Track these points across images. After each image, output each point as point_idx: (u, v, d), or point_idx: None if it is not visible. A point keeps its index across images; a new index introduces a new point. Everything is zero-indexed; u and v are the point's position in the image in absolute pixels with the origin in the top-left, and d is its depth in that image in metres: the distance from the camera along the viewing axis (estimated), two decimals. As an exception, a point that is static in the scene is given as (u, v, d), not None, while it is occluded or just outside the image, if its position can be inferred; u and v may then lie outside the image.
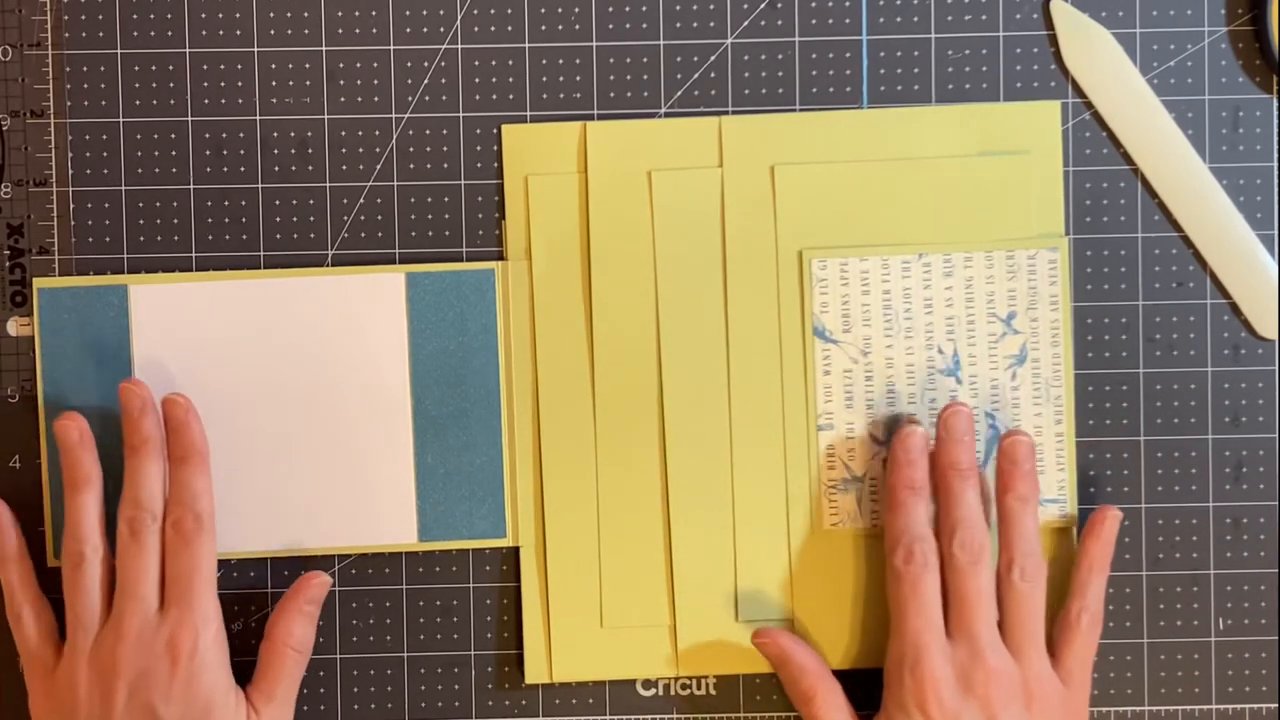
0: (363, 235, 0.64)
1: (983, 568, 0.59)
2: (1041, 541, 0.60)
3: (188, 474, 0.60)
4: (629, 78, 0.64)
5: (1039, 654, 0.60)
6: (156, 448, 0.60)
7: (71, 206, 0.63)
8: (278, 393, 0.63)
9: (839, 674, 0.62)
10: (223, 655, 0.59)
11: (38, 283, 0.63)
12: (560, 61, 0.64)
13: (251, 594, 0.64)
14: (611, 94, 0.64)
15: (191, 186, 0.63)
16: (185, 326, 0.63)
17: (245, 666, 0.61)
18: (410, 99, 0.63)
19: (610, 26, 0.64)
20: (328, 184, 0.64)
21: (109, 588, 0.60)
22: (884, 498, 0.62)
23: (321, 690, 0.64)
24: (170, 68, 0.63)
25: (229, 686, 0.59)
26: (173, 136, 0.63)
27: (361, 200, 0.64)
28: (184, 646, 0.58)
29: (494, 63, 0.63)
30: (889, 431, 0.63)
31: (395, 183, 0.64)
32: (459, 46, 0.63)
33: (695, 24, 0.64)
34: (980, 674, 0.58)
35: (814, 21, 0.64)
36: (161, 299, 0.63)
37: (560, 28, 0.63)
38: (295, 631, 0.61)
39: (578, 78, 0.64)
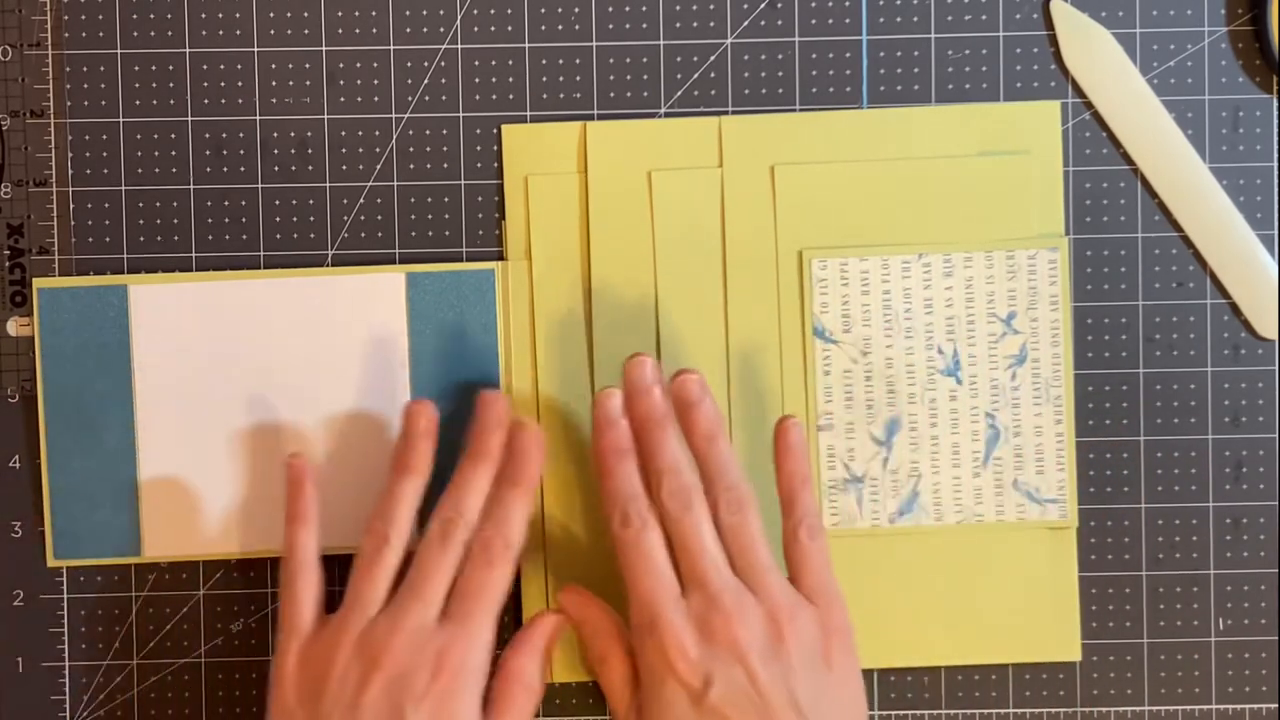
0: (363, 235, 0.64)
1: (695, 510, 0.57)
2: (745, 472, 0.58)
3: (515, 498, 0.58)
4: (629, 78, 0.64)
5: (775, 580, 0.57)
6: (493, 464, 0.59)
7: (71, 206, 0.63)
8: (277, 393, 0.63)
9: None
10: (481, 682, 0.57)
11: (38, 283, 0.63)
12: (560, 61, 0.63)
13: (252, 594, 0.64)
14: (611, 94, 0.64)
15: (191, 186, 0.63)
16: (185, 326, 0.63)
17: (254, 666, 0.62)
18: (410, 99, 0.63)
19: (610, 26, 0.64)
20: (328, 184, 0.64)
21: (396, 579, 0.58)
22: (593, 467, 0.60)
23: (321, 690, 0.64)
24: (170, 68, 0.63)
25: (476, 714, 0.57)
26: (173, 136, 0.63)
27: (361, 200, 0.64)
28: (453, 661, 0.56)
29: (494, 63, 0.63)
30: (888, 432, 0.63)
31: (395, 183, 0.64)
32: (459, 46, 0.63)
33: (695, 24, 0.64)
34: (719, 619, 0.56)
35: (814, 21, 0.64)
36: (161, 299, 0.63)
37: (560, 28, 0.63)
38: (527, 669, 0.59)
39: (578, 78, 0.64)
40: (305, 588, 0.59)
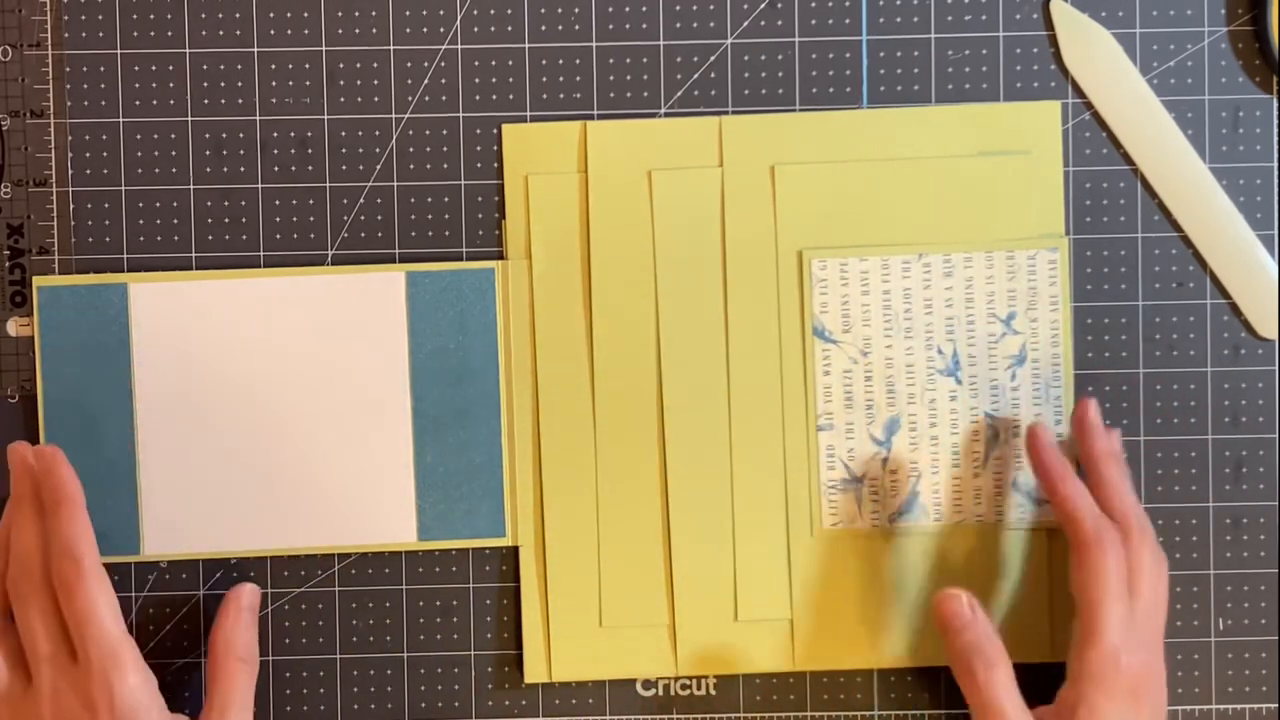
0: (363, 235, 0.64)
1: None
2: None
3: (60, 522, 0.57)
4: (629, 78, 0.64)
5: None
6: (28, 504, 0.58)
7: (71, 206, 0.63)
8: (277, 392, 0.63)
9: (836, 675, 0.62)
10: (148, 692, 0.57)
11: (38, 282, 0.63)
12: (560, 61, 0.64)
13: (251, 594, 0.64)
14: (611, 94, 0.64)
15: (191, 186, 0.64)
16: (185, 326, 0.63)
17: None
18: (410, 99, 0.63)
19: (610, 26, 0.64)
20: (328, 184, 0.64)
21: (17, 652, 0.58)
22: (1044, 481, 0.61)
23: (321, 690, 0.64)
24: (170, 68, 0.63)
25: (158, 706, 0.57)
26: (173, 136, 0.63)
27: (361, 200, 0.64)
28: (100, 699, 0.56)
29: (494, 63, 0.64)
30: (888, 432, 0.63)
31: (395, 183, 0.64)
32: (459, 46, 0.63)
33: (695, 24, 0.64)
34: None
35: (814, 21, 0.64)
36: (161, 299, 0.63)
37: (560, 28, 0.63)
38: (237, 642, 0.60)
39: (578, 78, 0.64)
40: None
